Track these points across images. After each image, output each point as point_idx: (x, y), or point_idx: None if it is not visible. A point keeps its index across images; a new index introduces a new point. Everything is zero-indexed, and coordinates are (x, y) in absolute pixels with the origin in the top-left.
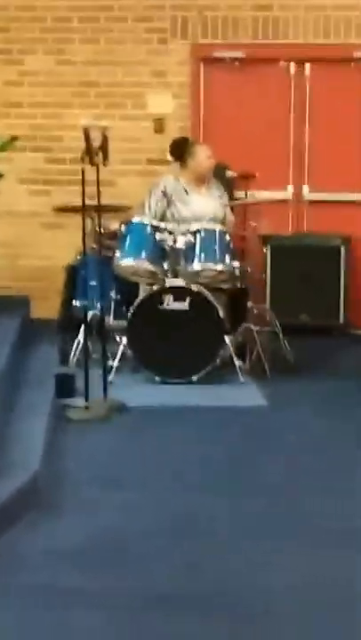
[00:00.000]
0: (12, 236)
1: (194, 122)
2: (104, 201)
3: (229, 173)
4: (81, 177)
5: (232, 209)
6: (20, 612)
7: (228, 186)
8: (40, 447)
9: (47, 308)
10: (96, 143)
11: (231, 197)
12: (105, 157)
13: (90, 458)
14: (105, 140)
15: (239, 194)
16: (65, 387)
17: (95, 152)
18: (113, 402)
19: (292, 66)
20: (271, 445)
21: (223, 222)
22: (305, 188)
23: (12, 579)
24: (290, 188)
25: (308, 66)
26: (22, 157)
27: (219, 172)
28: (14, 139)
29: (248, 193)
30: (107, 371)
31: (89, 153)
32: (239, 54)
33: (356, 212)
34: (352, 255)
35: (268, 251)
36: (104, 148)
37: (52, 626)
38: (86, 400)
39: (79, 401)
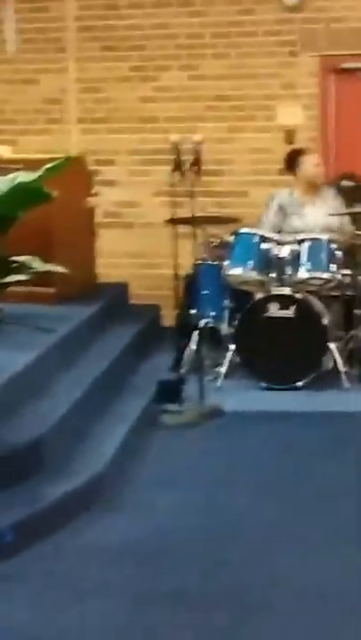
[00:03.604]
0: (148, 246)
1: (323, 133)
2: (235, 211)
3: (344, 183)
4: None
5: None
6: (42, 600)
7: (347, 195)
8: (112, 450)
9: None
10: (190, 157)
11: (349, 207)
12: (198, 171)
13: (166, 461)
14: (198, 153)
15: None
16: (169, 393)
17: (189, 166)
18: (209, 407)
19: None
20: (351, 452)
21: (339, 232)
22: None
23: (47, 569)
24: None
25: None
26: (158, 171)
27: (335, 183)
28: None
29: None
30: (212, 377)
31: (178, 168)
32: None
33: None
34: None
35: None
36: (197, 161)
37: (68, 611)
38: (180, 405)
39: (174, 406)
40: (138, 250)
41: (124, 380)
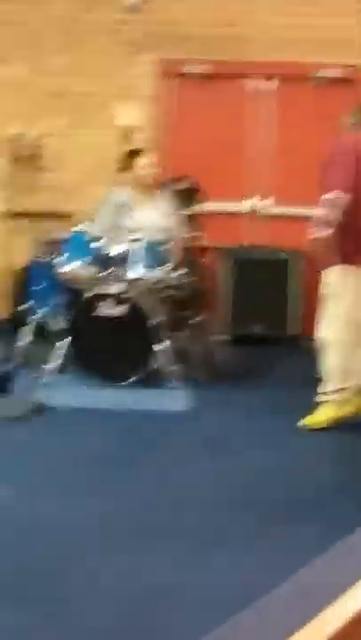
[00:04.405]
0: None
1: (159, 134)
2: (70, 207)
3: (178, 185)
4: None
5: (188, 221)
6: None
7: (181, 197)
8: None
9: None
10: (27, 151)
11: (182, 209)
12: (35, 166)
13: None
14: (35, 148)
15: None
16: None
17: (26, 160)
18: (36, 402)
19: (256, 82)
20: (173, 449)
21: (169, 233)
22: (261, 202)
23: None
24: (246, 201)
25: (270, 82)
26: None
27: (169, 185)
28: None
29: (198, 205)
30: (42, 372)
31: (15, 161)
32: (205, 69)
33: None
34: (302, 267)
35: (223, 262)
36: (34, 156)
37: None
38: (8, 399)
39: (1, 399)
40: None
41: None
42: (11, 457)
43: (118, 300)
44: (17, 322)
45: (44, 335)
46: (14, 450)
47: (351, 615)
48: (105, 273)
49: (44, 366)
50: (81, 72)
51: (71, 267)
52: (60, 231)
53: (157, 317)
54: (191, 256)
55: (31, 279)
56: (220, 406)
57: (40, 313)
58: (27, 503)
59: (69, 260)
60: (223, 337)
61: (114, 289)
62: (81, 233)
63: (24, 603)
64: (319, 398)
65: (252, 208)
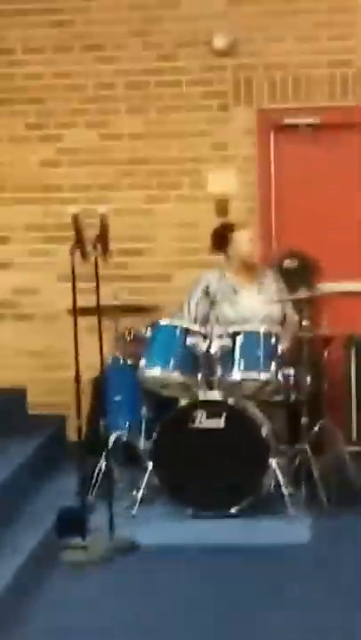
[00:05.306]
0: (51, 342)
1: (262, 202)
2: (155, 298)
3: (287, 263)
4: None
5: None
6: None
7: (292, 278)
8: None
9: None
10: (93, 232)
11: (293, 292)
12: (104, 249)
13: (64, 606)
14: (104, 228)
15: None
16: (70, 523)
17: (91, 243)
18: (121, 540)
19: None
20: (295, 593)
21: (281, 323)
22: None
23: None
24: None
25: None
26: (62, 251)
27: (276, 263)
28: None
29: (314, 287)
30: (126, 503)
31: (80, 245)
32: (314, 120)
33: None
34: None
35: (350, 355)
36: (103, 237)
37: None
38: (85, 539)
39: (77, 540)
40: (39, 347)
41: (19, 508)
42: (92, 608)
43: (220, 408)
44: (95, 442)
45: (127, 456)
46: (96, 600)
47: None
48: (201, 376)
49: (129, 496)
50: (161, 133)
51: (158, 370)
52: (144, 327)
53: (268, 428)
54: (308, 349)
55: (110, 388)
56: (350, 537)
57: (122, 429)
58: None
59: (156, 361)
60: (354, 448)
61: (213, 395)
62: (169, 328)
63: None
64: None
65: None
